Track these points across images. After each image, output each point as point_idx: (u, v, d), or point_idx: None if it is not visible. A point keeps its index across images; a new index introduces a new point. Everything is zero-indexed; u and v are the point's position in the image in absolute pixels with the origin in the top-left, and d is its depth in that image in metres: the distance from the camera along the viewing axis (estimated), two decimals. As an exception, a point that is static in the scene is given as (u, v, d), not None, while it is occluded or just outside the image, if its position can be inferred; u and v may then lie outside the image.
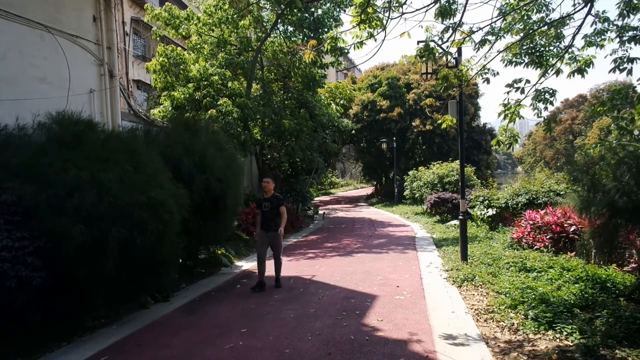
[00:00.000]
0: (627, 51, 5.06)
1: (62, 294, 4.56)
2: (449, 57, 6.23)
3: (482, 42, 5.58)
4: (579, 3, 5.08)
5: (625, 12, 4.85)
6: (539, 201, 10.88)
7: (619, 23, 5.05)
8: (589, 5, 4.91)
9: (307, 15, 13.60)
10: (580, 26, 5.17)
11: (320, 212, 19.92)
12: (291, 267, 8.44)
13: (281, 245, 6.87)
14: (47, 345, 4.48)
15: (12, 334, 4.37)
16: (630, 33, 4.94)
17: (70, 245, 4.32)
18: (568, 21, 5.35)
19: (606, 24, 5.19)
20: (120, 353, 4.37)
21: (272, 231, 6.65)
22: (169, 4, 13.75)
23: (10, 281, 3.97)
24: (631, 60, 5.00)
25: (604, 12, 5.18)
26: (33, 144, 5.00)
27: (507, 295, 5.50)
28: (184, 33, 13.79)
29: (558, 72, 5.58)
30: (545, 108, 5.71)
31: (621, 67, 5.07)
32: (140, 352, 4.36)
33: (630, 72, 5.07)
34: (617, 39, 5.03)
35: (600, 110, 5.32)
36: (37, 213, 4.41)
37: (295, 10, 12.79)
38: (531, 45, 5.66)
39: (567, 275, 6.03)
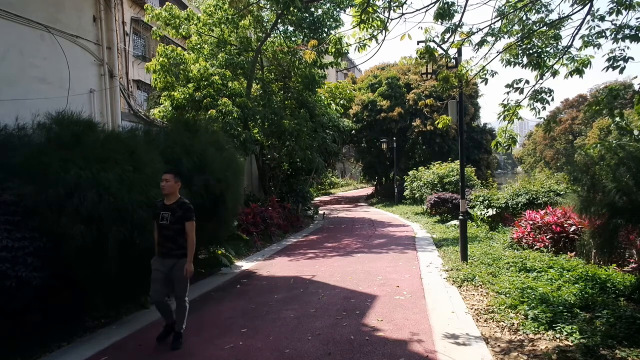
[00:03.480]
0: (624, 50, 5.08)
1: (62, 293, 4.56)
2: (449, 58, 6.24)
3: (481, 43, 5.59)
4: (576, 3, 5.08)
5: (618, 9, 4.85)
6: (539, 201, 10.89)
7: (617, 23, 5.06)
8: (588, 5, 4.92)
9: (307, 15, 13.61)
10: (579, 26, 5.17)
11: (320, 212, 19.91)
12: (291, 267, 8.44)
13: (187, 284, 4.43)
14: (47, 345, 4.48)
15: (12, 334, 4.38)
16: (627, 31, 4.94)
17: (70, 245, 4.32)
18: (566, 22, 5.36)
19: (603, 23, 5.20)
20: (120, 353, 4.37)
21: (172, 257, 4.38)
22: (169, 4, 13.76)
23: (10, 281, 3.97)
24: (625, 59, 5.00)
25: (597, 10, 5.20)
26: (33, 144, 5.00)
27: (507, 295, 5.50)
28: (184, 33, 13.80)
29: (555, 73, 5.60)
30: (544, 108, 5.73)
31: (615, 65, 5.08)
32: (140, 352, 4.36)
33: (622, 70, 5.08)
34: (613, 37, 5.04)
35: (596, 109, 5.33)
36: (37, 213, 4.41)
37: (295, 10, 12.80)
38: (529, 46, 5.66)
39: (567, 275, 6.03)
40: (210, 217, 7.17)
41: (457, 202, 13.79)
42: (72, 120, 5.39)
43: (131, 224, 4.67)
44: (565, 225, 7.95)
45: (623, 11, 4.85)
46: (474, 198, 12.75)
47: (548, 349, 4.00)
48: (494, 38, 5.60)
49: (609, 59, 5.09)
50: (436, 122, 6.75)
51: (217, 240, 8.29)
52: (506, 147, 5.97)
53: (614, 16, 4.99)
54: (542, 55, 5.59)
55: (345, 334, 4.60)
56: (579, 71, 5.48)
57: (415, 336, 4.49)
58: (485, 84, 5.94)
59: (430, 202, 15.85)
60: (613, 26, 5.11)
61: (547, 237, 8.13)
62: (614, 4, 4.89)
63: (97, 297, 4.70)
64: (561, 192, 10.57)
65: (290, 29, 14.85)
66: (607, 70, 5.14)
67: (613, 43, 5.01)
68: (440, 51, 5.59)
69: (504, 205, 11.71)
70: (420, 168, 20.12)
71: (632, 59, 5.02)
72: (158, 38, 13.89)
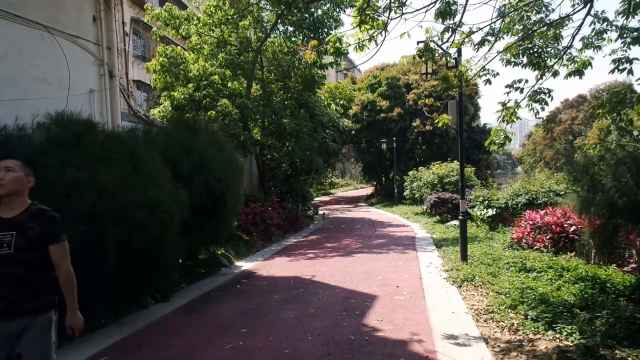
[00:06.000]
0: (626, 51, 5.08)
1: (61, 294, 4.55)
2: (449, 57, 6.24)
3: (482, 43, 5.59)
4: (577, 3, 5.09)
5: (626, 12, 4.85)
6: (538, 201, 10.89)
7: (619, 24, 5.05)
8: (588, 5, 4.92)
9: (307, 15, 13.62)
10: (579, 27, 5.18)
11: (320, 212, 19.90)
12: (291, 267, 8.44)
13: None
14: (46, 346, 4.48)
15: (12, 334, 4.37)
16: (634, 34, 4.94)
17: (69, 245, 4.31)
18: (567, 22, 5.36)
19: (606, 24, 5.19)
20: (120, 353, 4.37)
21: (20, 317, 2.40)
22: (169, 4, 13.77)
23: (10, 281, 3.96)
24: (630, 60, 5.01)
25: (602, 12, 5.19)
26: (33, 144, 4.99)
27: (507, 295, 5.50)
28: (184, 33, 13.81)
29: (555, 74, 5.60)
30: (542, 109, 5.74)
31: (620, 68, 5.09)
32: (140, 352, 4.36)
33: (630, 72, 5.08)
34: (620, 40, 5.04)
35: (600, 112, 5.34)
36: (37, 213, 4.41)
37: (295, 11, 12.80)
38: (530, 45, 5.67)
39: (567, 276, 6.03)
40: (210, 217, 7.18)
41: (457, 202, 13.79)
42: (72, 120, 5.38)
43: (130, 224, 4.66)
44: (565, 225, 7.95)
45: (632, 16, 4.84)
46: (474, 198, 12.75)
47: (548, 349, 4.00)
48: (494, 38, 5.60)
49: (614, 61, 5.09)
50: (436, 121, 6.77)
51: (217, 240, 8.30)
52: (499, 145, 5.99)
53: (615, 16, 4.99)
54: (542, 55, 5.59)
55: (345, 334, 4.60)
56: (579, 72, 5.48)
57: (415, 336, 4.49)
58: (490, 84, 5.92)
59: (430, 202, 15.85)
60: (614, 27, 5.11)
61: (547, 237, 8.13)
62: (627, 6, 4.87)
63: (96, 297, 4.69)
64: (561, 192, 10.56)
65: (290, 29, 14.86)
66: (612, 73, 5.15)
67: (622, 44, 5.01)
68: (440, 51, 5.59)
69: (503, 205, 11.71)
70: (420, 168, 20.12)
71: (637, 59, 5.03)
72: (158, 38, 13.89)
